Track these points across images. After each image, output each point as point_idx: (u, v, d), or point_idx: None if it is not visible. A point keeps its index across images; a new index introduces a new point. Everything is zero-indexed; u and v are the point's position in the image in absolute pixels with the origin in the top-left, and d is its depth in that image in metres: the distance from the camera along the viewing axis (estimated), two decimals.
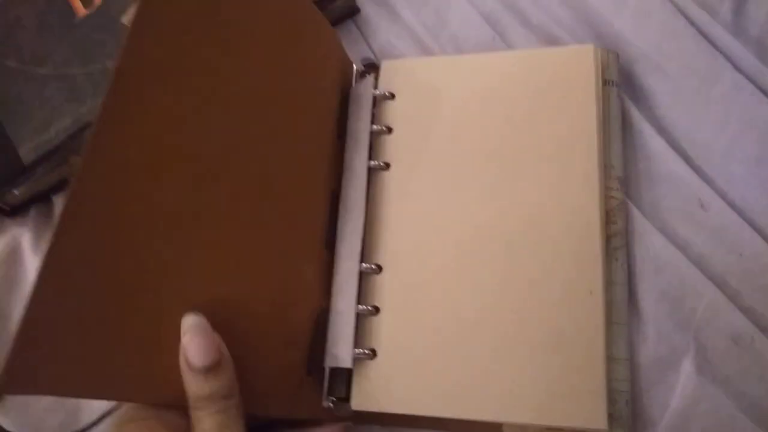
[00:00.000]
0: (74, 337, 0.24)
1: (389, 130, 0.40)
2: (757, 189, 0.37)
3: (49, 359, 0.23)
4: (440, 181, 0.38)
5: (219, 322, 0.28)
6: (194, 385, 0.25)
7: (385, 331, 0.35)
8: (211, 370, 0.25)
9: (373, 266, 0.36)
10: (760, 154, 0.37)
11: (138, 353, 0.26)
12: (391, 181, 0.38)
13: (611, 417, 0.32)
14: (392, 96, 0.40)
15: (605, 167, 0.36)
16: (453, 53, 0.44)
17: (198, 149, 0.29)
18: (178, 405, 0.26)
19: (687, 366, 0.34)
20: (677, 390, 0.34)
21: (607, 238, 0.35)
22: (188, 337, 0.25)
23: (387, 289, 0.36)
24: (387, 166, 0.39)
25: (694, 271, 0.36)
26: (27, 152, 0.41)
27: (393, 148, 0.39)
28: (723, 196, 0.37)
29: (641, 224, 0.37)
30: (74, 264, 0.23)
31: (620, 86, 0.39)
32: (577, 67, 0.38)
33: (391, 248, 0.37)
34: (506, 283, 0.35)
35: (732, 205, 0.36)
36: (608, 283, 0.34)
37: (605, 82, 0.38)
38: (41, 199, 0.44)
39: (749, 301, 0.35)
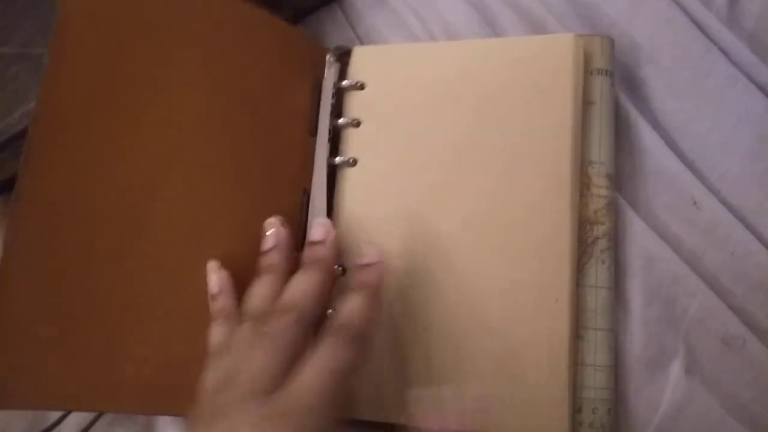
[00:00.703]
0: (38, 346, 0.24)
1: (357, 123, 0.38)
2: (751, 185, 0.36)
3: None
4: (408, 179, 0.36)
5: None
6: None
7: None
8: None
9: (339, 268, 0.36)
10: (754, 149, 0.36)
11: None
12: (357, 177, 0.37)
13: (591, 426, 0.31)
14: (362, 86, 0.38)
15: (590, 164, 0.35)
16: (441, 39, 0.43)
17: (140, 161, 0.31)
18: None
19: (676, 367, 0.34)
20: (666, 392, 0.34)
21: (594, 240, 0.34)
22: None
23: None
24: (354, 162, 0.37)
25: (685, 269, 0.35)
26: None
27: (360, 142, 0.38)
28: (716, 193, 0.36)
29: (632, 221, 0.36)
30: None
31: (614, 75, 0.37)
32: (555, 57, 0.36)
33: (352, 252, 0.36)
34: (471, 289, 0.33)
35: (725, 202, 0.36)
36: (593, 288, 0.33)
37: (596, 71, 0.36)
38: (6, 189, 0.42)
39: (741, 300, 0.34)
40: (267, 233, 0.33)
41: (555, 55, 0.36)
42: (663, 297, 0.35)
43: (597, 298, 0.33)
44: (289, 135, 0.37)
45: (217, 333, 0.30)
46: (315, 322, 0.30)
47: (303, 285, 0.30)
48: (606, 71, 0.36)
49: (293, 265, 0.32)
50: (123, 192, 0.30)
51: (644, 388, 0.34)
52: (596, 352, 0.32)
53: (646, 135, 0.37)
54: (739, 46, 0.38)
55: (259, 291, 0.31)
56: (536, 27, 0.41)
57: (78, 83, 0.29)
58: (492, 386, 0.32)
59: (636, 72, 0.39)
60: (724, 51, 0.38)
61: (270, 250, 0.33)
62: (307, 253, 0.33)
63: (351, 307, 0.29)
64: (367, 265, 0.31)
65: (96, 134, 0.30)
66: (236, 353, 0.28)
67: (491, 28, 0.42)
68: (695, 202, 0.36)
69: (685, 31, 0.39)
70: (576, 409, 0.31)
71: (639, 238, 0.36)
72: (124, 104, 0.31)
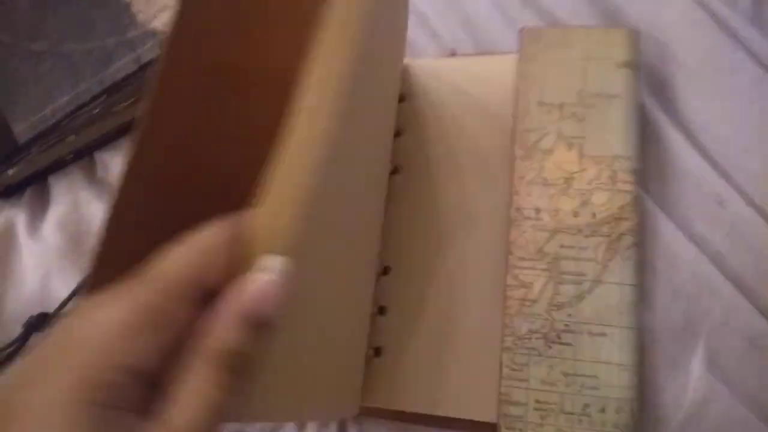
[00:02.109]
0: None
1: (397, 132, 0.39)
2: None
3: None
4: (447, 186, 0.37)
5: None
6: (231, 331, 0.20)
7: (391, 330, 0.35)
8: (263, 327, 0.21)
9: (382, 267, 0.36)
10: None
11: None
12: (399, 184, 0.38)
13: (616, 427, 0.31)
14: (403, 98, 0.40)
15: (615, 158, 0.35)
16: (464, 39, 0.43)
17: None
18: None
19: (698, 366, 0.34)
20: (688, 390, 0.33)
21: (618, 237, 0.34)
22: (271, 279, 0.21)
23: (394, 290, 0.36)
24: (397, 169, 0.38)
25: (710, 268, 0.35)
26: (22, 131, 0.40)
27: (402, 151, 0.39)
28: (741, 193, 0.36)
29: (657, 219, 0.36)
30: None
31: (639, 68, 0.37)
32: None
33: (398, 251, 0.36)
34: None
35: (750, 202, 0.36)
36: (617, 285, 0.33)
37: (620, 64, 0.36)
38: (36, 180, 0.43)
39: (766, 300, 0.34)
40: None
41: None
42: (687, 295, 0.35)
43: (622, 296, 0.33)
44: None
45: None
46: None
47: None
48: (630, 64, 0.36)
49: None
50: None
51: (666, 387, 0.34)
52: (621, 351, 0.32)
53: (671, 135, 0.37)
54: (765, 46, 0.38)
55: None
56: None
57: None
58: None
59: (661, 72, 0.39)
60: (749, 51, 0.38)
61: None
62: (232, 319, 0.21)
63: (233, 337, 0.20)
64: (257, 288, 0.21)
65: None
66: None
67: (513, 29, 0.42)
68: (720, 202, 0.36)
69: (710, 31, 0.39)
70: (599, 409, 0.31)
71: (663, 236, 0.36)
72: None
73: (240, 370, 0.20)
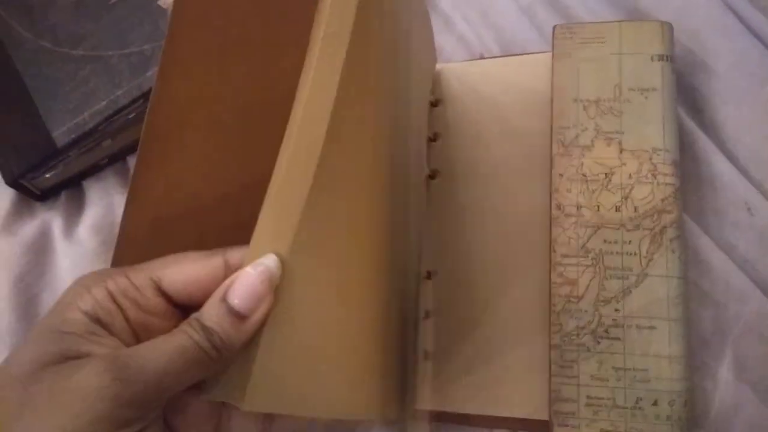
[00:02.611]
0: None
1: (435, 137, 0.39)
2: None
3: None
4: (485, 189, 0.38)
5: None
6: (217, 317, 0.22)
7: (437, 333, 0.35)
8: (240, 318, 0.22)
9: (425, 272, 0.37)
10: None
11: None
12: (438, 189, 0.38)
13: (669, 419, 0.31)
14: (437, 103, 0.40)
15: (655, 151, 0.35)
16: (491, 42, 0.44)
17: None
18: None
19: (725, 372, 0.34)
20: (716, 396, 0.33)
21: (662, 229, 0.34)
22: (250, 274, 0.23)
23: (438, 294, 0.36)
24: (434, 174, 0.39)
25: (739, 275, 0.35)
26: (60, 135, 0.40)
27: (439, 156, 0.39)
28: None
29: (686, 225, 0.36)
30: None
31: (674, 61, 0.37)
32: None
33: (441, 255, 0.37)
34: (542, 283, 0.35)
35: None
36: (663, 278, 0.33)
37: (656, 57, 0.37)
38: (72, 184, 0.43)
39: None
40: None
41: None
42: (715, 302, 0.35)
43: (669, 288, 0.33)
44: None
45: None
46: None
47: None
48: (666, 57, 0.37)
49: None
50: None
51: (696, 392, 0.34)
52: (670, 343, 0.32)
53: (699, 141, 0.38)
54: None
55: None
56: None
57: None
58: None
59: (690, 78, 0.39)
60: None
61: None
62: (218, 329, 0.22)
63: (216, 321, 0.22)
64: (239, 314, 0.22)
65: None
66: None
67: (540, 34, 0.43)
68: (749, 209, 0.36)
69: (740, 37, 0.39)
70: (652, 402, 0.31)
71: (692, 242, 0.36)
72: None
73: (216, 348, 0.22)
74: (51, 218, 0.41)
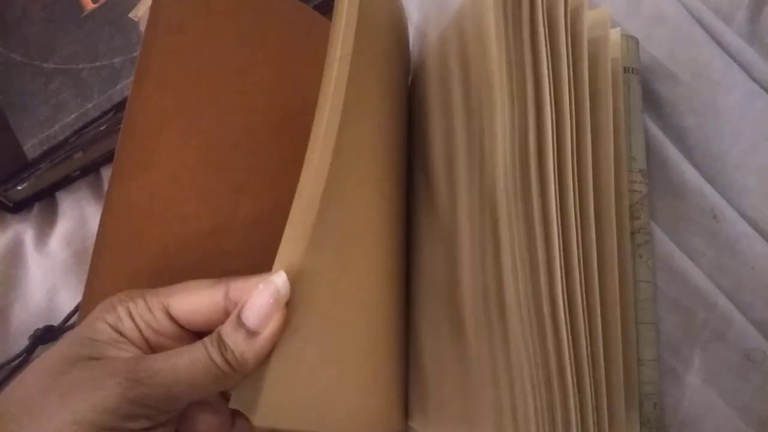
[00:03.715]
0: None
1: None
2: None
3: None
4: None
5: None
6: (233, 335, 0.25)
7: None
8: (252, 335, 0.24)
9: None
10: None
11: None
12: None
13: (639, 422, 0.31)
14: None
15: (627, 159, 0.35)
16: None
17: None
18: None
19: (694, 379, 0.34)
20: (684, 402, 0.34)
21: (631, 234, 0.34)
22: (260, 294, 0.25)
23: None
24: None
25: (706, 282, 0.35)
26: (31, 148, 0.41)
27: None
28: (736, 207, 0.36)
29: (653, 233, 0.36)
30: None
31: (640, 74, 0.38)
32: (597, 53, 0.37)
33: None
34: None
35: (745, 216, 0.36)
36: (635, 282, 0.33)
37: (626, 70, 0.37)
38: (45, 196, 0.44)
39: (762, 315, 0.34)
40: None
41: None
42: (683, 308, 0.35)
43: (638, 293, 0.33)
44: None
45: None
46: None
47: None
48: (632, 69, 0.37)
49: None
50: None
51: (664, 397, 0.34)
52: (639, 346, 0.32)
53: (665, 149, 0.38)
54: (760, 62, 0.39)
55: None
56: None
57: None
58: None
59: (656, 87, 0.39)
60: (744, 67, 0.39)
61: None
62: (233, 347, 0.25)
63: (232, 336, 0.25)
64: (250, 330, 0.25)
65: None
66: None
67: None
68: (715, 216, 0.36)
69: (704, 47, 0.39)
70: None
71: (659, 249, 0.36)
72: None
73: (229, 363, 0.24)
74: (23, 230, 0.42)
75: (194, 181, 0.32)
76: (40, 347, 0.38)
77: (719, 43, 0.39)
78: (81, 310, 0.29)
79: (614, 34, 0.37)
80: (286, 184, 0.33)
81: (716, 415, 0.33)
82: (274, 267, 0.25)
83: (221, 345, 0.24)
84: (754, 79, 0.38)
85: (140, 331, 0.26)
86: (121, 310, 0.26)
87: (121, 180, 0.29)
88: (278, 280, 0.25)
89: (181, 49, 0.31)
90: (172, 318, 0.26)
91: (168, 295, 0.26)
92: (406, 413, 0.33)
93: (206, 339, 0.25)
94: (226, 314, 0.26)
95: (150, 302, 0.26)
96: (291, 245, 0.25)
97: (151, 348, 0.26)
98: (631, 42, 0.38)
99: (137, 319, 0.26)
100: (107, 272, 0.29)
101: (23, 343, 0.38)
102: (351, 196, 0.28)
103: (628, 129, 0.36)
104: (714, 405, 0.33)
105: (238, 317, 0.24)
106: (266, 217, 0.32)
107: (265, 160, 0.34)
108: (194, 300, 0.26)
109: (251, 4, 0.34)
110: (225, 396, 0.28)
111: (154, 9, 0.30)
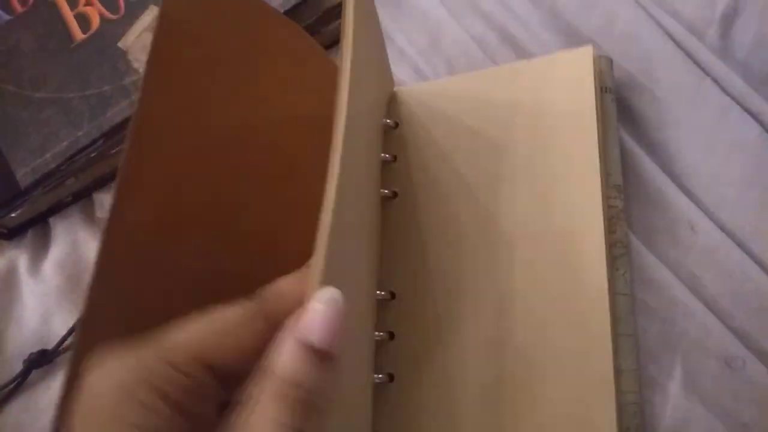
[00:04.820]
0: None
1: (394, 158, 0.40)
2: (746, 211, 0.37)
3: None
4: (446, 208, 0.38)
5: None
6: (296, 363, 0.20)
7: (401, 356, 0.36)
8: (324, 359, 0.20)
9: (388, 293, 0.37)
10: (748, 176, 0.37)
11: None
12: (399, 209, 0.39)
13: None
14: (395, 125, 0.41)
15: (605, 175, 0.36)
16: (446, 76, 0.45)
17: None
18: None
19: (676, 387, 0.34)
20: (667, 411, 0.34)
21: (608, 247, 0.35)
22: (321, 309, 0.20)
23: (401, 316, 0.37)
24: (395, 195, 0.39)
25: (685, 291, 0.36)
26: (24, 176, 0.42)
27: (399, 176, 0.40)
28: (712, 218, 0.37)
29: (632, 244, 0.37)
30: None
31: (614, 93, 0.39)
32: (574, 71, 0.38)
33: (403, 275, 0.38)
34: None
35: (722, 227, 0.37)
36: (613, 294, 0.34)
37: (601, 89, 0.38)
38: (38, 222, 0.44)
39: (740, 323, 0.35)
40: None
41: (577, 68, 0.38)
42: (662, 318, 0.36)
43: (617, 305, 0.34)
44: None
45: None
46: None
47: None
48: (606, 88, 0.38)
49: None
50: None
51: (646, 407, 0.34)
52: (618, 357, 0.33)
53: (642, 162, 0.39)
54: (732, 77, 0.40)
55: None
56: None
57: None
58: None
59: (632, 102, 0.40)
60: (717, 81, 0.39)
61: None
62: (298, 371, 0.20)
63: (300, 368, 0.20)
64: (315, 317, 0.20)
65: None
66: None
67: (492, 61, 0.44)
68: (692, 227, 0.37)
69: (678, 62, 0.40)
70: None
71: (638, 260, 0.37)
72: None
73: (309, 406, 0.19)
74: (17, 256, 0.43)
75: (198, 197, 0.32)
76: (34, 371, 0.39)
77: (692, 59, 0.40)
78: (78, 337, 0.27)
79: (589, 54, 0.38)
80: (284, 199, 0.34)
81: (700, 422, 0.34)
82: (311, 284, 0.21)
83: (293, 387, 0.19)
84: (727, 93, 0.39)
85: (183, 410, 0.20)
86: (147, 397, 0.19)
87: (125, 196, 0.29)
88: (335, 293, 0.21)
89: (187, 60, 0.31)
90: (207, 367, 0.21)
91: (200, 342, 0.21)
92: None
93: (267, 396, 0.19)
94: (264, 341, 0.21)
95: (179, 362, 0.20)
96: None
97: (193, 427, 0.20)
98: (605, 62, 0.39)
99: (173, 395, 0.20)
100: (107, 296, 0.28)
101: (18, 367, 0.39)
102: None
103: (603, 146, 0.37)
104: (697, 413, 0.34)
105: (299, 343, 0.20)
106: (268, 234, 0.33)
107: (262, 178, 0.35)
108: (235, 339, 0.22)
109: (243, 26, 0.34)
110: None
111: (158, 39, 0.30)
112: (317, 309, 0.20)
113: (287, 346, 0.20)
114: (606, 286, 0.33)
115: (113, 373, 0.19)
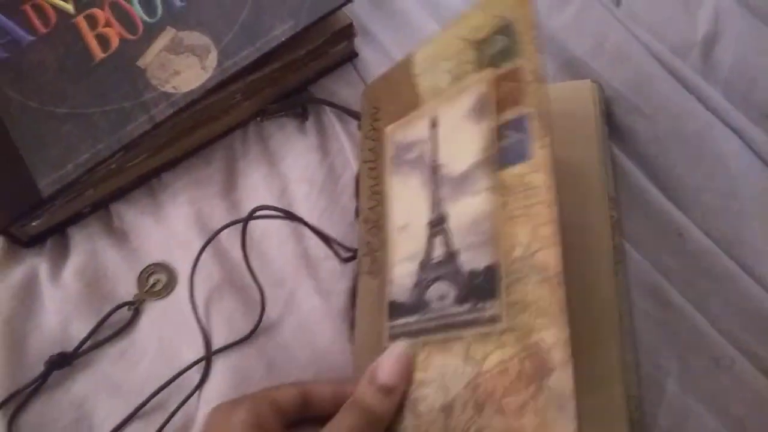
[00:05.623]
0: None
1: None
2: (730, 220, 0.39)
3: None
4: None
5: None
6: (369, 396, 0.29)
7: None
8: (389, 393, 0.29)
9: None
10: (730, 186, 0.40)
11: None
12: None
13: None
14: None
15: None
16: None
17: None
18: None
19: (672, 385, 0.36)
20: (664, 408, 0.36)
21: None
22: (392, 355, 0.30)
23: None
24: None
25: (677, 296, 0.38)
26: (45, 186, 0.43)
27: None
28: (699, 226, 0.39)
29: (628, 251, 0.39)
30: None
31: (605, 115, 0.42)
32: (577, 102, 0.40)
33: None
34: None
35: (708, 234, 0.39)
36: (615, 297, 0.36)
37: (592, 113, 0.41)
38: (56, 231, 0.46)
39: (729, 324, 0.37)
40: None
41: (579, 99, 0.40)
42: (656, 320, 0.38)
43: (620, 305, 0.36)
44: None
45: None
46: None
47: None
48: (599, 111, 0.41)
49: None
50: None
51: (644, 403, 0.36)
52: (627, 352, 0.35)
53: (633, 175, 0.41)
54: (714, 94, 0.42)
55: None
56: None
57: None
58: None
59: (622, 119, 0.43)
60: (700, 99, 0.42)
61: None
62: (368, 399, 0.30)
63: (368, 392, 0.30)
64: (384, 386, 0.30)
65: None
66: None
67: None
68: (680, 234, 0.39)
69: (664, 82, 0.43)
70: None
71: (633, 267, 0.39)
72: None
73: (373, 422, 0.29)
74: (37, 263, 0.44)
75: None
76: (54, 372, 0.40)
77: (677, 78, 0.43)
78: None
79: (586, 86, 0.41)
80: None
81: (697, 420, 0.35)
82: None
83: (364, 411, 0.28)
84: (710, 110, 0.42)
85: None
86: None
87: None
88: (401, 347, 0.30)
89: None
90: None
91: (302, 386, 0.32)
92: None
93: (346, 411, 0.29)
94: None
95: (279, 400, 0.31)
96: None
97: None
98: (598, 88, 0.42)
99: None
100: None
101: (39, 369, 0.40)
102: None
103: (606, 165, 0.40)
104: (693, 410, 0.35)
105: (372, 381, 0.29)
106: None
107: None
108: (329, 388, 0.32)
109: None
110: None
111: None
112: (388, 355, 0.30)
113: (364, 380, 0.30)
114: (614, 290, 0.36)
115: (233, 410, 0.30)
